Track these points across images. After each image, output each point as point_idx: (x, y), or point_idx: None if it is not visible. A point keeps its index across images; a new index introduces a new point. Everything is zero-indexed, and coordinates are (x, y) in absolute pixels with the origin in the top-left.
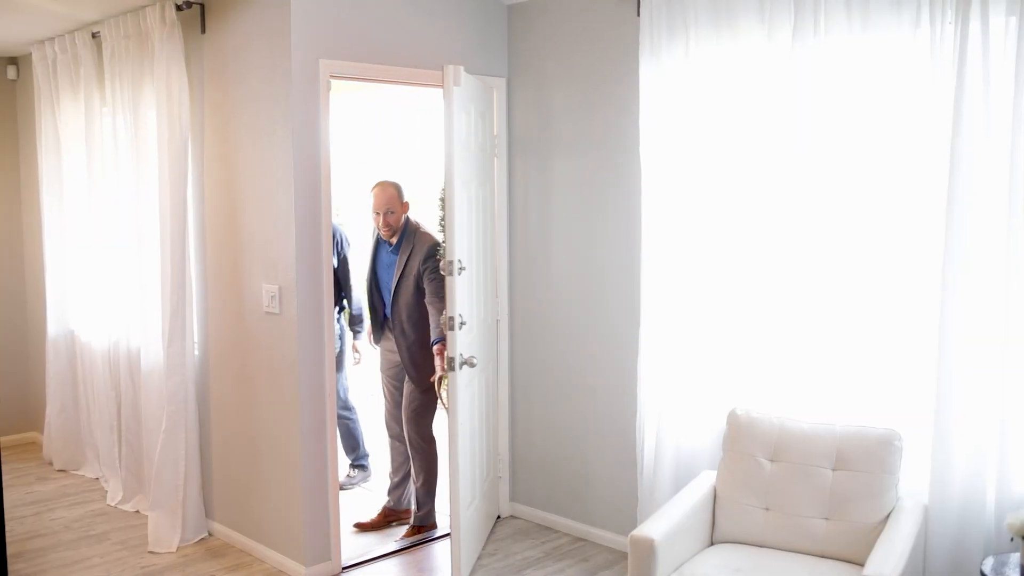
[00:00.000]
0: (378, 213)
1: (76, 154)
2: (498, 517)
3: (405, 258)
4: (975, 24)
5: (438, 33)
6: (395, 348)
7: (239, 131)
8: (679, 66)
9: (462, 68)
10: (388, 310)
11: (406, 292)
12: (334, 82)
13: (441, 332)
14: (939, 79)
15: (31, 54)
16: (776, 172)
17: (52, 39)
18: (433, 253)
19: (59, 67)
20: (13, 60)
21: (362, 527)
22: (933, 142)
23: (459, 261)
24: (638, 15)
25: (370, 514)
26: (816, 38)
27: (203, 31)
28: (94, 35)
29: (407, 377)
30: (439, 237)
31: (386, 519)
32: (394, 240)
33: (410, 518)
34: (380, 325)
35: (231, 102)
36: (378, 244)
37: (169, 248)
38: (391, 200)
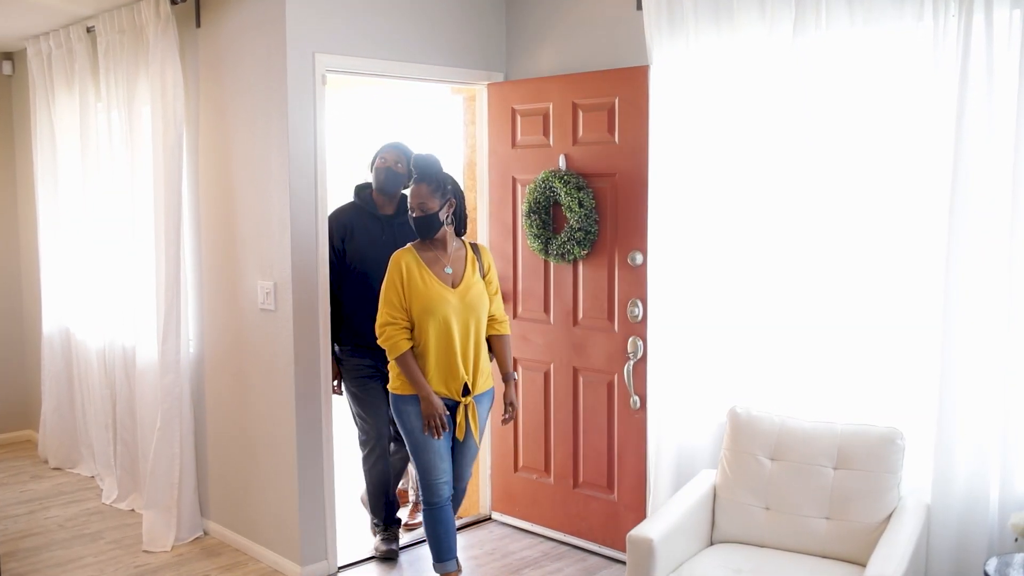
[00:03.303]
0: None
1: (71, 150)
2: (489, 517)
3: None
4: (979, 17)
5: (436, 28)
6: None
7: (234, 126)
8: (680, 60)
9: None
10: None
11: None
12: (339, 77)
13: None
14: (942, 73)
15: (26, 49)
16: (778, 167)
17: (47, 34)
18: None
19: (54, 62)
20: (8, 55)
21: None
22: (936, 137)
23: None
24: (639, 9)
25: None
26: (817, 31)
27: (198, 25)
28: (89, 30)
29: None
30: None
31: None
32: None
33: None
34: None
35: (226, 97)
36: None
37: (163, 244)
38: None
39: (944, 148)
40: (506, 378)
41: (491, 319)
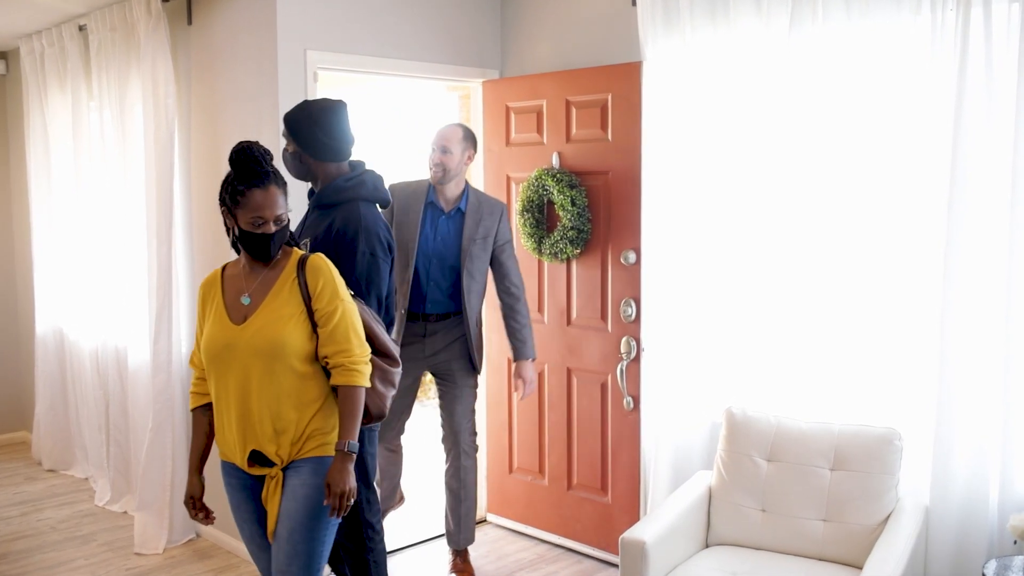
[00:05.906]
0: (434, 149)
1: (64, 149)
2: (484, 520)
3: (476, 220)
4: (977, 10)
5: (429, 24)
6: (439, 342)
7: (226, 124)
8: (674, 55)
9: None
10: (446, 291)
11: (479, 260)
12: (335, 75)
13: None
14: (940, 67)
15: (19, 48)
16: (774, 164)
17: (40, 32)
18: (504, 215)
19: (47, 61)
20: (2, 55)
21: None
22: (934, 133)
23: None
24: (634, 5)
25: None
26: (814, 25)
27: (189, 22)
28: (81, 28)
29: (463, 371)
30: None
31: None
32: (451, 197)
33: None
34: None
35: (218, 94)
36: (424, 217)
37: (155, 244)
38: (450, 138)
39: (942, 144)
40: (336, 449)
41: (325, 361)
